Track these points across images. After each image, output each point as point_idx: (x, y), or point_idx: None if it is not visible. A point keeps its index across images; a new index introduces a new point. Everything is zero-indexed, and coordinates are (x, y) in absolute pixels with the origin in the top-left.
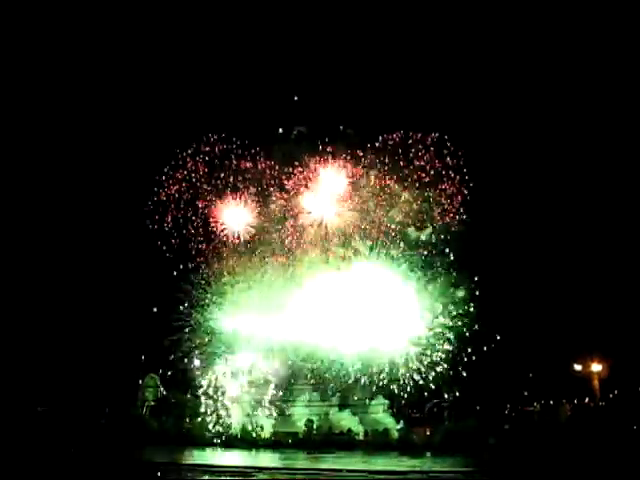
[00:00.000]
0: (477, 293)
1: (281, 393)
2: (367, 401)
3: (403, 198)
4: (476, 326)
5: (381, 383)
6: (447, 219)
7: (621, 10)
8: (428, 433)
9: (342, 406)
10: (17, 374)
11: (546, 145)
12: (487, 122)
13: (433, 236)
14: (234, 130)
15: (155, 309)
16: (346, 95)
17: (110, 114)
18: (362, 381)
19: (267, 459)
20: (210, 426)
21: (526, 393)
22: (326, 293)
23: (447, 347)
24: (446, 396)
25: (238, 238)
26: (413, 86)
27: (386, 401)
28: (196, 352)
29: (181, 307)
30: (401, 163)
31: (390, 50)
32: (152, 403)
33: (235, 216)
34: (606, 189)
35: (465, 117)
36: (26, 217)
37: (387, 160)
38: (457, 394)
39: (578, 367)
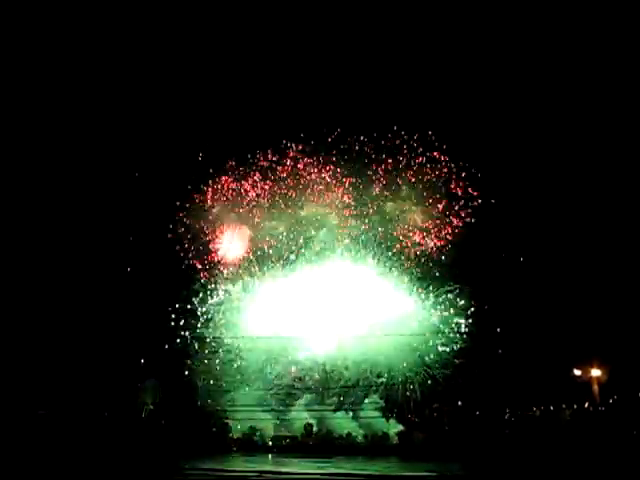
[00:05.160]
0: (477, 300)
1: (281, 397)
2: (362, 401)
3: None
4: (476, 332)
5: (380, 387)
6: (448, 229)
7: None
8: (428, 438)
9: (337, 409)
10: (18, 377)
11: (544, 149)
12: (489, 130)
13: (434, 246)
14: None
15: (155, 312)
16: (346, 105)
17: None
18: (360, 384)
19: (266, 463)
20: (210, 430)
21: (526, 398)
22: (326, 299)
23: (447, 352)
24: (446, 401)
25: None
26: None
27: (380, 400)
28: (197, 356)
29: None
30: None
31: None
32: (151, 407)
33: (237, 228)
34: (604, 195)
35: (468, 126)
36: (25, 216)
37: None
38: (457, 398)
39: (578, 372)
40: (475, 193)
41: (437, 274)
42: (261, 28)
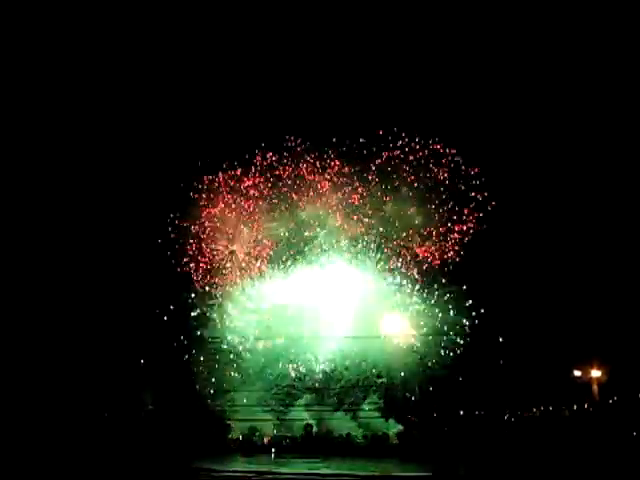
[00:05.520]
0: (478, 301)
1: (281, 397)
2: (361, 401)
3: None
4: (476, 333)
5: (379, 388)
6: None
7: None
8: (428, 438)
9: (337, 409)
10: (18, 378)
11: (545, 151)
12: (492, 133)
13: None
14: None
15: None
16: (347, 107)
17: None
18: (360, 384)
19: (266, 464)
20: (210, 431)
21: (526, 398)
22: (326, 299)
23: (447, 353)
24: (446, 401)
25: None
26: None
27: (380, 401)
28: (197, 357)
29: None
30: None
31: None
32: (150, 407)
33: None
34: (604, 195)
35: (471, 129)
36: (23, 219)
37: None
38: (457, 399)
39: (578, 373)
40: (479, 196)
41: (438, 276)
42: (262, 29)
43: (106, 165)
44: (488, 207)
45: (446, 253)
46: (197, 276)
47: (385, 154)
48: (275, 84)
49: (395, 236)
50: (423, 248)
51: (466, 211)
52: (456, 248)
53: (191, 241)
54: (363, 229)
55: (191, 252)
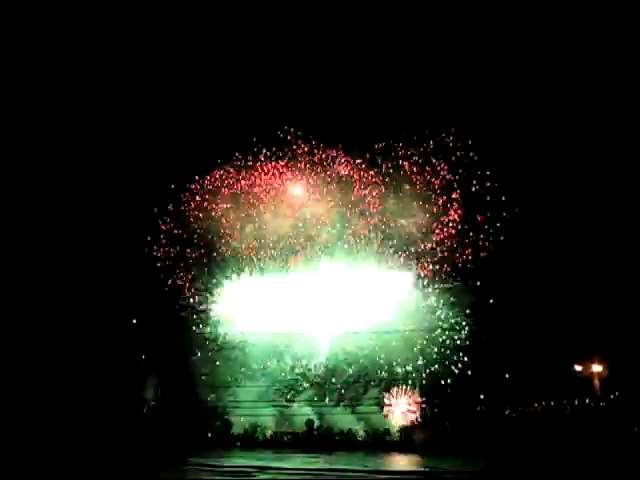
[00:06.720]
0: (479, 296)
1: (282, 392)
2: (362, 397)
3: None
4: (477, 328)
5: (381, 383)
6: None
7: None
8: (429, 434)
9: (337, 404)
10: (19, 375)
11: (547, 148)
12: (493, 128)
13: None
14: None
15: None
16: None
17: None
18: (361, 379)
19: (268, 459)
20: (212, 426)
21: (527, 394)
22: (329, 296)
23: (449, 349)
24: (447, 397)
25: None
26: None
27: (381, 396)
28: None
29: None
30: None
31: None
32: (152, 403)
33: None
34: (604, 192)
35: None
36: (22, 207)
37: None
38: (458, 395)
39: (579, 368)
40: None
41: (440, 271)
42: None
43: (107, 163)
44: (504, 214)
45: (450, 252)
46: (198, 273)
47: (388, 145)
48: (277, 79)
49: (398, 234)
50: (426, 246)
51: (481, 219)
52: (461, 249)
53: (192, 238)
54: (366, 226)
55: (192, 250)
